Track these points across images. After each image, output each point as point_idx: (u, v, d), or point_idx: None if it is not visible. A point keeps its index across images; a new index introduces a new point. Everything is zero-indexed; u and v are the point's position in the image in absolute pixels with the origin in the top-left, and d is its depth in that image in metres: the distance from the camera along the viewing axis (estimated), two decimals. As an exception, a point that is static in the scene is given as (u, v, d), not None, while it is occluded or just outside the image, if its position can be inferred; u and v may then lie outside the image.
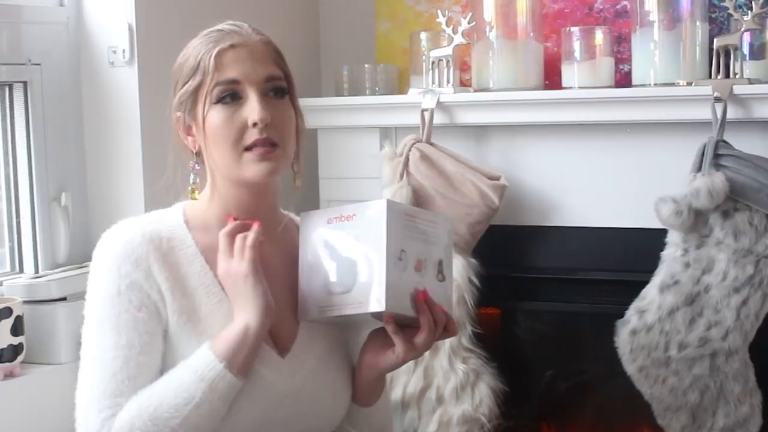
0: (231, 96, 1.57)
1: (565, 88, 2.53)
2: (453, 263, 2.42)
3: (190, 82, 1.60)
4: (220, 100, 1.57)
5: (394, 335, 1.58)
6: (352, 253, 1.57)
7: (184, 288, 1.57)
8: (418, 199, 2.49)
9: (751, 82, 2.29)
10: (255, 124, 1.55)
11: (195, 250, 1.60)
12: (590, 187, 2.50)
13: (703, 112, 2.29)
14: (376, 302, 1.53)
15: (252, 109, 1.56)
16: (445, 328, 1.60)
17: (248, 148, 1.56)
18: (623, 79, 2.57)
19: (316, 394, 1.62)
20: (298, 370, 1.61)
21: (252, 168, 1.57)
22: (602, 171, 2.48)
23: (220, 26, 1.64)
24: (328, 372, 1.64)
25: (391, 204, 1.56)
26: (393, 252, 1.53)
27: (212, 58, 1.58)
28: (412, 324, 1.58)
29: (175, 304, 1.56)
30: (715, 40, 2.34)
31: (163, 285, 1.56)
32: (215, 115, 1.57)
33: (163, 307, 1.56)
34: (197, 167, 1.64)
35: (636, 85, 2.47)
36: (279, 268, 1.66)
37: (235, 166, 1.58)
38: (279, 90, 1.61)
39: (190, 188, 1.66)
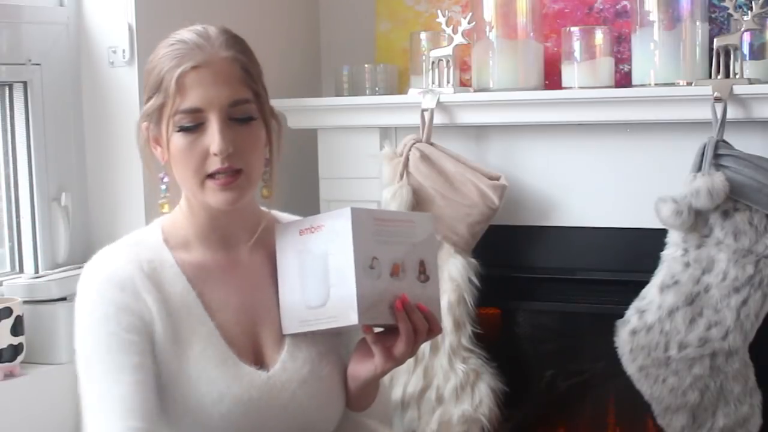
0: (192, 123, 1.51)
1: (565, 88, 2.53)
2: (452, 263, 2.46)
3: (154, 99, 1.54)
4: (181, 129, 1.51)
5: (372, 345, 1.55)
6: (323, 266, 1.53)
7: (168, 308, 1.54)
8: (418, 199, 2.50)
9: (751, 82, 2.29)
10: (216, 154, 1.50)
11: (177, 270, 1.57)
12: (590, 187, 2.50)
13: (703, 112, 2.29)
14: (349, 316, 1.50)
15: (213, 139, 1.50)
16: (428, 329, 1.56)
17: (211, 176, 1.52)
18: (623, 79, 2.57)
19: (307, 404, 1.59)
20: (287, 382, 1.58)
21: (214, 197, 1.53)
22: (602, 171, 2.48)
23: (186, 35, 1.55)
24: (318, 381, 1.61)
25: (356, 212, 1.51)
26: (362, 261, 1.49)
27: (174, 80, 1.50)
28: (394, 331, 1.54)
29: (161, 324, 1.53)
30: (715, 40, 2.34)
31: (153, 306, 1.53)
32: (177, 141, 1.52)
33: (152, 329, 1.52)
34: (166, 179, 1.59)
35: (636, 85, 2.46)
36: (265, 278, 1.63)
37: (198, 193, 1.54)
38: (244, 114, 1.53)
39: (160, 202, 1.60)
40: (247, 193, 1.55)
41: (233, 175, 1.52)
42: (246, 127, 1.53)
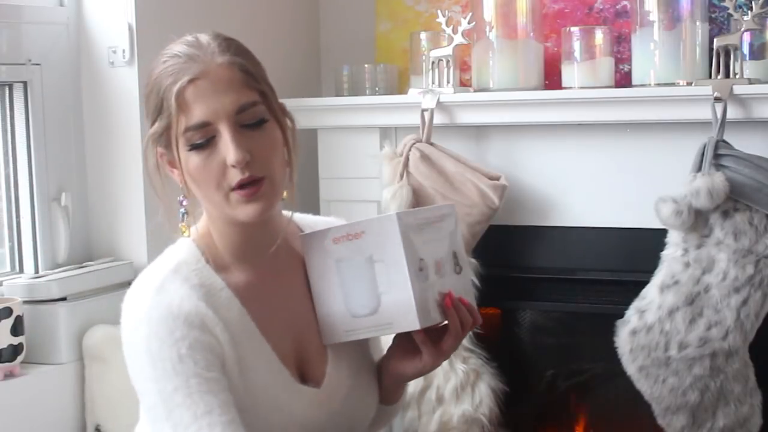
0: (203, 139, 1.44)
1: (565, 88, 2.53)
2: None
3: (158, 122, 1.47)
4: (192, 147, 1.44)
5: (422, 344, 1.53)
6: (369, 273, 1.50)
7: (232, 336, 1.46)
8: (418, 199, 2.50)
9: (751, 82, 2.29)
10: (234, 166, 1.43)
11: (228, 293, 1.49)
12: (590, 187, 2.50)
13: (703, 112, 2.29)
14: (409, 322, 1.48)
15: (228, 150, 1.43)
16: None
17: (234, 188, 1.45)
18: (623, 79, 2.57)
19: (353, 410, 1.59)
20: (336, 394, 1.56)
21: (243, 210, 1.45)
22: (602, 171, 2.48)
23: (178, 48, 1.47)
24: (361, 387, 1.60)
25: (401, 216, 1.48)
26: (414, 265, 1.47)
27: (173, 99, 1.43)
28: (438, 327, 1.53)
29: (230, 354, 1.46)
30: (715, 40, 2.34)
31: (221, 337, 1.45)
32: (191, 160, 1.45)
33: (224, 360, 1.45)
34: (185, 202, 1.51)
35: (636, 85, 2.46)
36: (302, 288, 1.58)
37: (225, 208, 1.47)
38: (255, 118, 1.46)
39: (180, 226, 1.52)
40: (274, 201, 1.49)
41: (256, 183, 1.45)
42: (259, 132, 1.46)
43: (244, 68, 1.46)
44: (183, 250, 1.52)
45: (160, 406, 1.41)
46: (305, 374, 1.56)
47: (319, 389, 1.54)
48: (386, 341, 1.65)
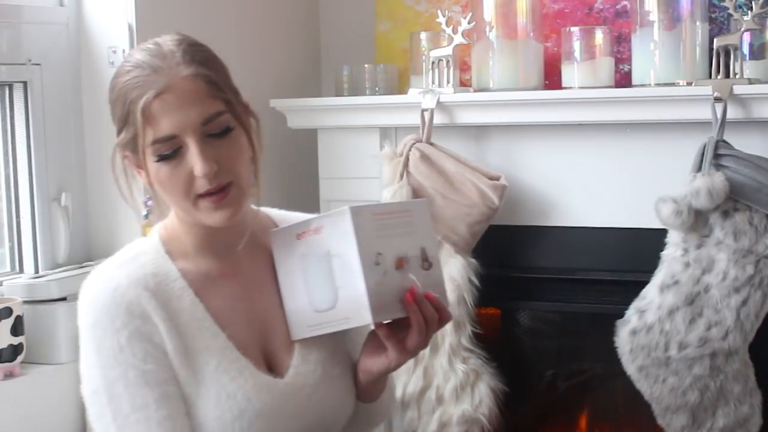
0: (170, 150, 1.46)
1: (565, 88, 2.53)
2: (452, 263, 2.46)
3: (125, 132, 1.48)
4: (160, 158, 1.46)
5: (386, 340, 1.53)
6: (327, 268, 1.51)
7: (177, 325, 1.49)
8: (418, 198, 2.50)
9: (751, 82, 2.29)
10: (201, 177, 1.46)
11: (182, 283, 1.52)
12: (590, 187, 2.50)
13: (703, 112, 2.29)
14: (362, 316, 1.48)
15: (195, 162, 1.45)
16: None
17: (201, 195, 1.48)
18: (623, 79, 2.57)
19: (321, 405, 1.58)
20: (302, 387, 1.56)
21: (210, 217, 1.49)
22: (602, 171, 2.48)
23: (140, 57, 1.48)
24: (331, 381, 1.60)
25: (354, 210, 1.48)
26: (368, 259, 1.47)
27: (139, 112, 1.44)
28: (406, 323, 1.53)
29: (172, 345, 1.48)
30: (715, 40, 2.34)
31: (161, 327, 1.48)
32: (159, 170, 1.47)
33: (165, 350, 1.48)
34: (150, 203, 1.55)
35: (636, 85, 2.47)
36: (268, 281, 1.60)
37: (193, 213, 1.50)
38: (220, 128, 1.47)
39: (142, 224, 1.57)
40: (242, 206, 1.52)
41: (224, 189, 1.48)
42: (226, 140, 1.48)
43: (209, 79, 1.47)
44: (146, 240, 1.58)
45: (102, 392, 1.47)
46: (272, 366, 1.57)
47: (283, 379, 1.55)
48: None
